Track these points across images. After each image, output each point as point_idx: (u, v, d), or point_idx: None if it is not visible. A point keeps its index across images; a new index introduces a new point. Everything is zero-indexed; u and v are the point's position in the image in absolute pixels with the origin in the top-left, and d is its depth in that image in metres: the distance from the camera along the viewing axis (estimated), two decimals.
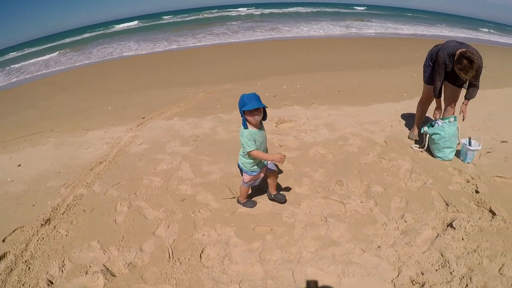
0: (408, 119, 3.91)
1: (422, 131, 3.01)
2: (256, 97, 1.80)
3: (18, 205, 2.81)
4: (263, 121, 1.98)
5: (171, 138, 3.92)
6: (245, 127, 1.87)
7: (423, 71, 3.06)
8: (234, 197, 2.57)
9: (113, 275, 1.92)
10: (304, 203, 2.42)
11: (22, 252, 2.19)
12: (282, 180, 2.72)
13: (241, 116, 1.86)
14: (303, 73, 6.69)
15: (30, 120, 5.61)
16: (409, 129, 3.54)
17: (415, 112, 3.43)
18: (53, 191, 2.97)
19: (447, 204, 2.31)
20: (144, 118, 4.86)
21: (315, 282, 1.78)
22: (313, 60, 8.44)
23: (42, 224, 2.47)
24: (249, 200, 2.44)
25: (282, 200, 2.38)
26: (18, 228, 2.47)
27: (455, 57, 2.53)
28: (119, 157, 3.59)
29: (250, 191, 2.45)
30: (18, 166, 3.61)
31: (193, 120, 4.45)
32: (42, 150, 4.02)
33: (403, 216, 2.22)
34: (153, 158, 3.44)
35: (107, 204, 2.67)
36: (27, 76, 12.06)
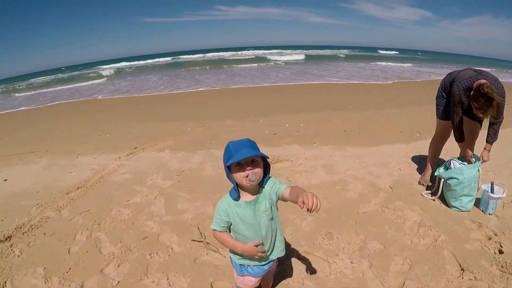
0: (420, 162, 3.99)
1: (436, 173, 3.01)
2: (249, 144, 1.37)
3: None
4: (267, 188, 1.48)
5: (155, 171, 4.40)
6: (233, 195, 1.45)
7: (436, 104, 3.12)
8: (202, 241, 2.76)
9: None
10: (282, 259, 2.37)
11: None
12: None
13: (227, 176, 1.42)
14: (309, 112, 7.34)
15: (31, 140, 6.78)
16: (420, 174, 3.61)
17: (427, 153, 3.51)
18: (24, 210, 3.52)
19: (462, 269, 2.21)
20: (136, 148, 5.52)
21: None
22: (321, 100, 9.29)
23: (1, 241, 2.92)
24: None
25: None
26: None
27: (471, 93, 2.51)
28: (98, 184, 4.11)
29: None
30: (4, 180, 4.34)
31: (183, 154, 4.99)
32: (31, 169, 4.78)
33: (404, 284, 2.11)
34: (130, 189, 3.90)
35: (68, 230, 3.08)
36: (44, 99, 14.31)
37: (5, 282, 2.38)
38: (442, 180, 2.94)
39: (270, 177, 1.51)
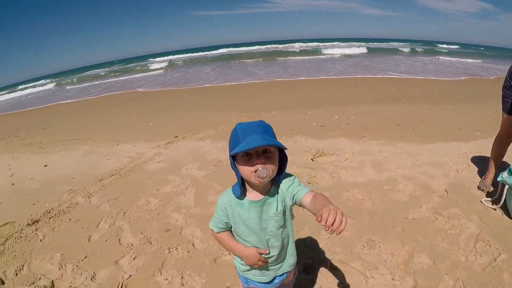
0: (480, 163, 3.72)
1: (499, 178, 2.77)
2: (263, 128, 1.12)
3: (23, 201, 3.57)
4: (282, 188, 1.25)
5: (192, 160, 4.28)
6: (236, 192, 1.23)
7: (502, 96, 2.87)
8: None
9: None
10: (312, 267, 2.22)
11: None
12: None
13: (232, 167, 1.19)
14: (360, 105, 7.29)
15: (77, 128, 7.37)
16: (480, 177, 3.38)
17: (489, 154, 3.26)
18: (57, 195, 3.66)
19: None
20: (176, 137, 5.53)
21: None
22: (372, 92, 9.20)
23: (29, 224, 3.03)
24: None
25: None
26: (9, 222, 3.13)
27: None
28: (132, 172, 4.13)
29: None
30: (45, 166, 4.64)
31: (223, 144, 4.84)
32: (72, 156, 5.06)
33: None
34: (162, 179, 3.83)
35: (93, 218, 3.11)
36: (100, 90, 15.69)
37: (23, 265, 2.45)
38: (506, 186, 2.70)
39: (289, 174, 1.27)
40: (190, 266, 2.31)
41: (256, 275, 1.40)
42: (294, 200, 1.23)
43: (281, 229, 1.30)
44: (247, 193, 1.25)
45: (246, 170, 1.11)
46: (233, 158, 1.15)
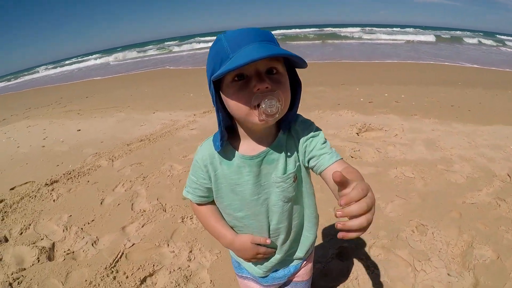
0: None
1: None
2: (262, 34, 0.78)
3: (48, 162, 3.70)
4: (295, 136, 0.91)
5: None
6: (216, 143, 0.88)
7: None
8: None
9: (49, 259, 2.07)
10: (348, 252, 2.01)
11: (13, 203, 2.78)
12: (322, 205, 2.27)
13: (213, 101, 0.84)
14: (412, 85, 7.28)
15: (118, 98, 7.66)
16: None
17: None
18: (81, 157, 3.73)
19: None
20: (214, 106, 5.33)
21: None
22: (427, 74, 9.26)
23: (47, 184, 3.09)
24: None
25: None
26: (30, 181, 3.23)
27: None
28: (162, 138, 4.07)
29: None
30: (78, 130, 4.83)
31: None
32: (106, 122, 5.21)
33: None
34: (192, 145, 3.71)
35: (112, 181, 3.08)
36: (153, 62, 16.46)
37: (30, 225, 2.47)
38: None
39: (304, 119, 0.93)
40: (202, 240, 2.13)
41: (250, 266, 1.07)
42: (312, 164, 0.88)
43: (290, 203, 0.94)
44: (238, 145, 0.91)
45: (241, 103, 0.76)
46: (216, 86, 0.80)
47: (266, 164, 0.89)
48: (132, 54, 27.49)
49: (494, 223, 2.29)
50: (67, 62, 32.01)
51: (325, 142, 0.88)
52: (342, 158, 0.85)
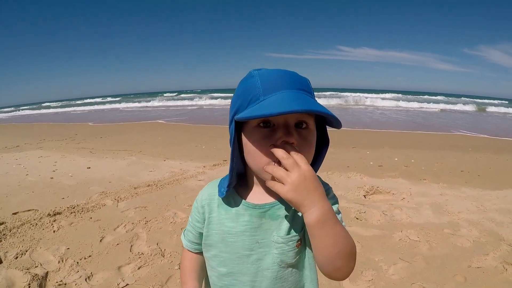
0: None
1: None
2: (298, 81, 0.75)
3: (53, 194, 3.79)
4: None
5: None
6: (223, 186, 0.84)
7: None
8: None
9: (39, 287, 2.07)
10: None
11: (13, 228, 2.83)
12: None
13: (230, 142, 0.79)
14: (422, 150, 7.50)
15: (131, 141, 7.94)
16: None
17: None
18: (88, 194, 3.81)
19: None
20: (225, 160, 5.49)
21: None
22: (437, 139, 9.72)
23: (50, 214, 3.16)
24: None
25: None
26: (33, 209, 3.30)
27: None
28: (169, 185, 4.16)
29: None
30: (88, 168, 4.98)
31: None
32: (116, 163, 5.37)
33: None
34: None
35: (114, 221, 3.13)
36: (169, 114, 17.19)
37: (26, 251, 2.50)
38: None
39: (323, 182, 0.80)
40: None
41: None
42: None
43: (287, 271, 0.82)
44: (244, 193, 0.85)
45: (262, 153, 0.71)
46: (237, 125, 0.76)
47: (269, 219, 0.81)
48: (156, 103, 28.71)
49: (500, 287, 2.29)
50: (78, 102, 33.71)
51: (338, 213, 0.80)
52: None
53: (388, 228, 3.15)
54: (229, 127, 0.77)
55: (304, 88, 0.73)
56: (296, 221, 0.81)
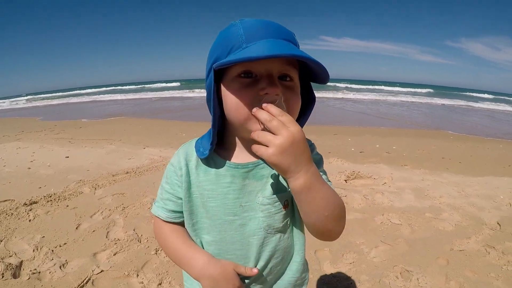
0: None
1: None
2: (283, 32, 0.69)
3: (30, 183, 3.73)
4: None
5: None
6: (204, 146, 0.77)
7: None
8: None
9: (13, 276, 2.05)
10: None
11: None
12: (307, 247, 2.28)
13: (208, 96, 0.73)
14: (404, 137, 7.59)
15: (112, 131, 7.79)
16: None
17: None
18: (65, 182, 3.77)
19: None
20: None
21: None
22: (419, 125, 9.96)
23: (26, 204, 3.10)
24: None
25: None
26: (9, 200, 3.24)
27: None
28: (148, 172, 4.13)
29: None
30: (66, 157, 4.89)
31: None
32: (95, 152, 5.31)
33: None
34: None
35: (91, 208, 3.11)
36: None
37: (1, 240, 2.47)
38: None
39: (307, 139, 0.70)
40: (174, 273, 2.13)
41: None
42: None
43: (274, 237, 0.78)
44: (223, 153, 0.79)
45: (243, 103, 0.66)
46: (217, 76, 0.69)
47: (253, 179, 0.75)
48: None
49: (483, 270, 2.31)
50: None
51: (324, 173, 0.79)
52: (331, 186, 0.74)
53: (369, 211, 3.16)
54: (206, 80, 0.71)
55: (290, 39, 0.68)
56: (281, 181, 0.77)
